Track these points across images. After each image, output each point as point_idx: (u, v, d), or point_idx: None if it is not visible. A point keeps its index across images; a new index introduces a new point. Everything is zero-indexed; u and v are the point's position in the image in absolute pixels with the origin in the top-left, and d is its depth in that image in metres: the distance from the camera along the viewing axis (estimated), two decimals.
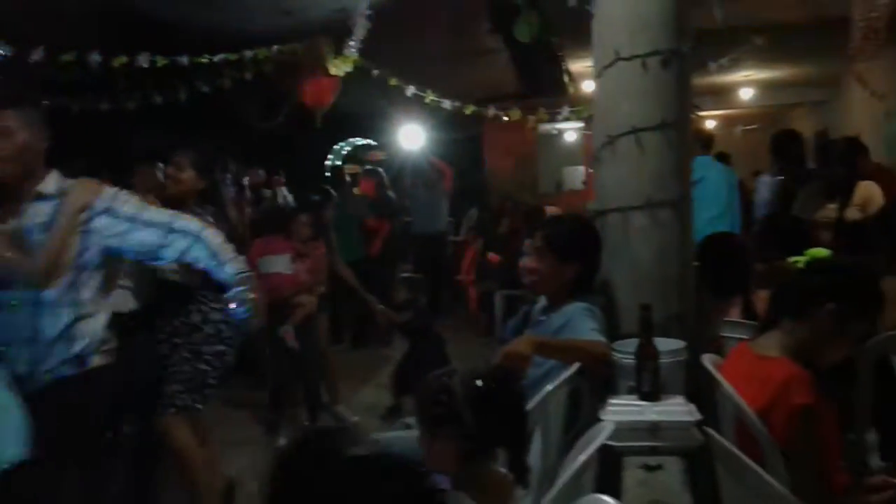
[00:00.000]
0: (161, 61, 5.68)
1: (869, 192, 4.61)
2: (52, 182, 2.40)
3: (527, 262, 2.91)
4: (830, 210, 4.56)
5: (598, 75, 3.03)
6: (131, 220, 2.48)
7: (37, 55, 5.08)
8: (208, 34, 6.74)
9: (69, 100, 6.48)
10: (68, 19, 6.25)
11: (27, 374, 2.32)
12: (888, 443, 2.71)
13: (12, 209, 2.35)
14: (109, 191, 2.48)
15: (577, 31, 3.32)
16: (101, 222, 2.42)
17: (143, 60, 5.59)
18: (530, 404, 2.07)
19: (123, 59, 5.46)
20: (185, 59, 5.82)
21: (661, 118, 2.84)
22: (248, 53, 6.34)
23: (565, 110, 6.27)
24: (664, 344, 2.46)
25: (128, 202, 2.51)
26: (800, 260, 2.21)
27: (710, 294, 3.23)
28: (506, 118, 7.04)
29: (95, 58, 5.35)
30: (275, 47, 6.50)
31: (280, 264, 4.84)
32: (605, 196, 2.96)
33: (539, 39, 6.50)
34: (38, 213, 2.35)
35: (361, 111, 9.07)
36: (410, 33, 6.67)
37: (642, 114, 2.85)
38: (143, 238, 2.50)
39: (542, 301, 3.02)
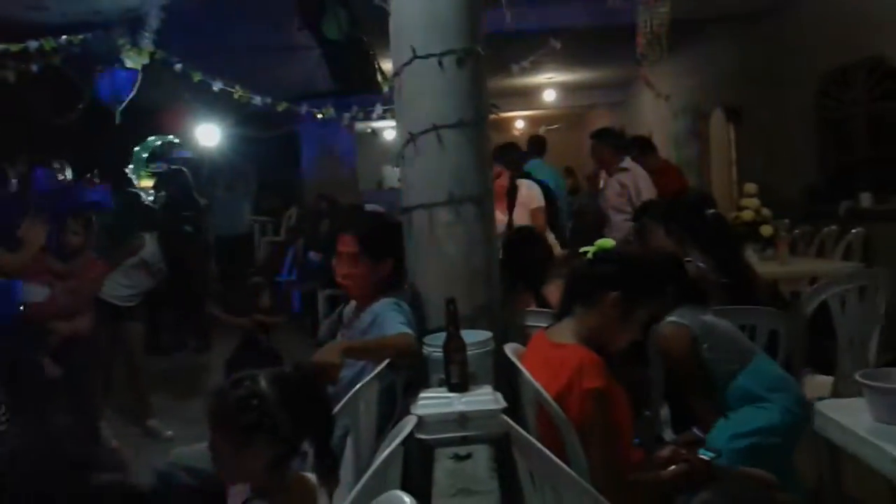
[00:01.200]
0: None
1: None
2: None
3: (341, 269, 2.90)
4: None
5: (397, 73, 3.05)
6: None
7: None
8: None
9: None
10: None
11: None
12: (677, 417, 2.95)
13: None
14: None
15: (384, 30, 3.33)
16: None
17: None
18: (341, 403, 2.06)
19: None
20: None
21: (459, 116, 2.91)
22: (34, 44, 5.83)
23: (379, 108, 6.28)
24: (472, 336, 2.53)
25: None
26: (589, 250, 2.33)
27: (516, 285, 3.37)
28: (320, 115, 6.97)
29: None
30: (63, 37, 6.02)
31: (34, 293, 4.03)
32: (410, 192, 2.99)
33: (348, 37, 6.49)
34: None
35: (165, 107, 8.61)
36: (212, 25, 6.42)
37: (442, 111, 2.90)
38: None
39: (353, 302, 3.02)
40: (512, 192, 4.87)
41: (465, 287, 2.85)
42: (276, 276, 8.53)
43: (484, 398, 2.37)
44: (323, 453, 1.72)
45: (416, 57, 2.87)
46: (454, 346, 2.41)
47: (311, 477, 1.72)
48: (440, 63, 2.86)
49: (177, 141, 8.94)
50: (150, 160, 8.46)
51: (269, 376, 1.68)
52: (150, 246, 5.30)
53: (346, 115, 7.28)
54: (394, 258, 2.89)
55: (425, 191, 2.91)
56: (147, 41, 4.99)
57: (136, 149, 8.35)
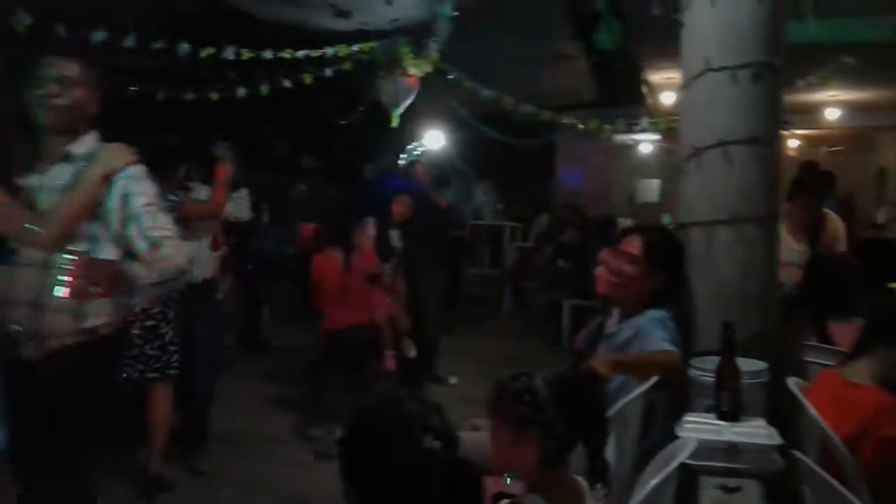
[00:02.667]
0: (246, 54, 5.79)
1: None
2: (85, 144, 2.31)
3: (605, 270, 2.86)
4: None
5: (685, 86, 2.96)
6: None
7: (129, 41, 5.23)
8: (291, 30, 6.88)
9: (156, 87, 6.62)
10: (160, 8, 6.45)
11: (27, 339, 2.22)
12: None
13: (42, 165, 2.29)
14: (139, 166, 2.37)
15: (659, 41, 3.27)
16: (134, 189, 2.32)
17: (230, 53, 5.71)
18: (610, 411, 2.05)
19: (211, 50, 5.59)
20: (268, 54, 5.92)
21: (750, 132, 2.77)
22: (330, 50, 6.41)
23: (644, 121, 6.18)
24: (745, 364, 2.39)
25: (147, 190, 2.38)
26: None
27: (794, 315, 3.13)
28: (581, 127, 6.99)
29: (184, 48, 5.48)
30: (355, 46, 6.57)
31: None
32: (687, 209, 2.89)
33: (619, 48, 6.44)
34: (60, 174, 2.27)
35: (435, 113, 9.12)
36: (492, 36, 6.65)
37: (730, 126, 2.78)
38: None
39: (616, 313, 2.97)
40: (817, 223, 4.13)
41: (740, 312, 2.69)
42: (521, 281, 8.69)
43: (757, 431, 2.23)
44: (595, 459, 1.73)
45: (708, 69, 2.77)
46: (728, 373, 2.29)
47: (583, 481, 1.73)
48: (734, 76, 2.73)
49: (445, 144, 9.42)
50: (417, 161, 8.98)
51: (544, 375, 1.73)
52: None
53: (608, 127, 7.26)
54: (668, 274, 2.79)
55: (705, 208, 2.79)
56: (433, 51, 5.27)
57: (409, 148, 8.90)
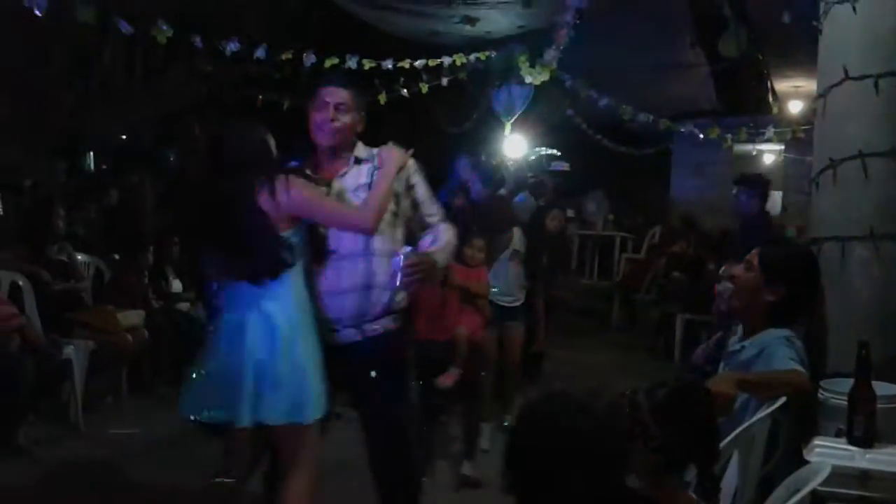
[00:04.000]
0: (367, 64, 5.95)
1: None
2: (362, 149, 2.64)
3: (726, 284, 2.77)
4: None
5: (821, 95, 2.84)
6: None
7: (260, 52, 5.49)
8: (405, 40, 7.02)
9: (280, 95, 6.89)
10: (286, 17, 6.72)
11: (351, 324, 2.53)
12: None
13: (332, 172, 2.60)
14: (414, 161, 2.71)
15: (787, 49, 3.15)
16: (415, 180, 2.66)
17: (352, 62, 5.88)
18: (735, 432, 1.99)
19: (335, 60, 5.78)
20: (388, 63, 6.07)
21: (891, 144, 2.63)
22: (447, 59, 6.48)
23: (769, 131, 5.95)
24: (881, 388, 2.27)
25: (423, 181, 2.71)
26: None
27: None
28: (702, 136, 6.81)
29: (310, 57, 5.69)
30: (473, 55, 6.63)
31: None
32: (820, 223, 2.77)
33: (745, 56, 6.24)
34: (359, 174, 2.59)
35: (547, 121, 9.07)
36: (609, 43, 6.57)
37: (870, 137, 2.65)
38: None
39: (739, 330, 2.87)
40: None
41: (876, 332, 2.56)
42: (632, 293, 8.51)
43: (893, 459, 2.11)
44: (704, 477, 1.68)
45: (847, 78, 2.65)
46: (863, 396, 2.18)
47: (699, 500, 1.68)
48: (876, 85, 2.60)
49: (558, 154, 9.36)
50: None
51: (648, 388, 1.70)
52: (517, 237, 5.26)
53: (729, 137, 7.03)
54: (790, 288, 2.65)
55: (840, 223, 2.68)
56: (552, 59, 5.26)
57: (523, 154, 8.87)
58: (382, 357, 2.56)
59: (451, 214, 4.59)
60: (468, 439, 4.05)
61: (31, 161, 7.05)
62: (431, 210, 2.72)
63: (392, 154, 2.59)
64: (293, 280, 2.36)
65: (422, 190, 2.69)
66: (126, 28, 4.60)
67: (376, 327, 2.56)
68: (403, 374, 2.72)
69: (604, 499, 1.43)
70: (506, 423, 4.44)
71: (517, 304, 4.73)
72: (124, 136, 8.72)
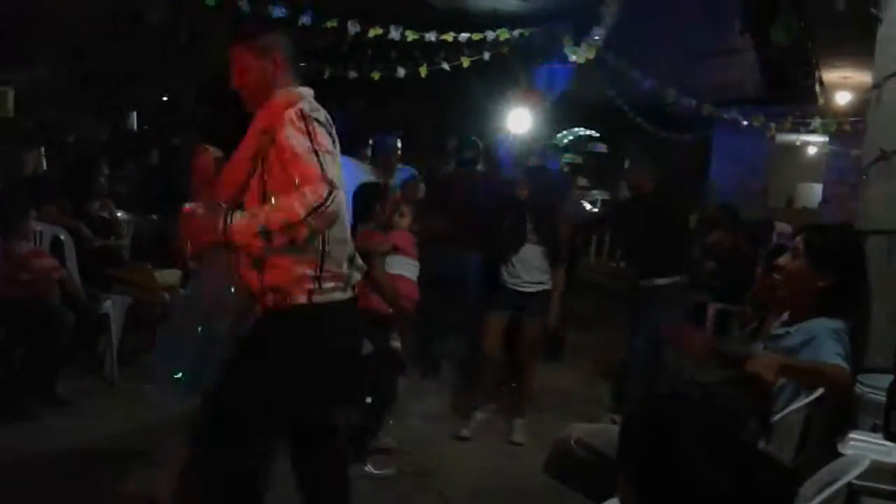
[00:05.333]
0: (411, 35, 5.91)
1: None
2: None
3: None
4: None
5: (876, 85, 2.78)
6: None
7: (305, 18, 5.48)
8: (446, 12, 6.93)
9: (322, 65, 6.88)
10: None
11: None
12: None
13: None
14: None
15: (837, 38, 3.07)
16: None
17: (395, 33, 5.84)
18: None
19: (378, 30, 5.75)
20: (432, 36, 6.01)
21: None
22: (491, 34, 6.40)
23: (816, 121, 5.81)
24: None
25: None
26: None
27: None
28: (745, 123, 6.68)
29: (354, 27, 5.67)
30: (516, 31, 6.55)
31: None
32: (868, 215, 2.72)
33: (796, 44, 6.08)
34: None
35: (588, 101, 8.96)
36: (655, 25, 6.46)
37: None
38: None
39: (785, 315, 2.81)
40: None
41: None
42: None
43: None
44: None
45: None
46: None
47: None
48: None
49: (596, 134, 9.26)
50: (566, 151, 8.89)
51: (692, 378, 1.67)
52: None
53: (773, 125, 6.90)
54: (837, 277, 2.59)
55: (889, 216, 2.61)
56: (598, 38, 5.17)
57: (559, 135, 8.80)
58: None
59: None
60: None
61: (75, 119, 7.16)
62: None
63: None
64: None
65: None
66: None
67: None
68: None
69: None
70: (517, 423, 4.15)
71: (537, 290, 4.28)
72: (165, 98, 8.81)
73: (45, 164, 5.74)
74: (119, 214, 4.95)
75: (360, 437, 3.56)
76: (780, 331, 2.67)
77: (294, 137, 2.13)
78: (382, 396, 3.71)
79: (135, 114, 8.16)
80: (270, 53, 2.39)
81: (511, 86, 8.27)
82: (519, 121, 7.62)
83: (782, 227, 8.04)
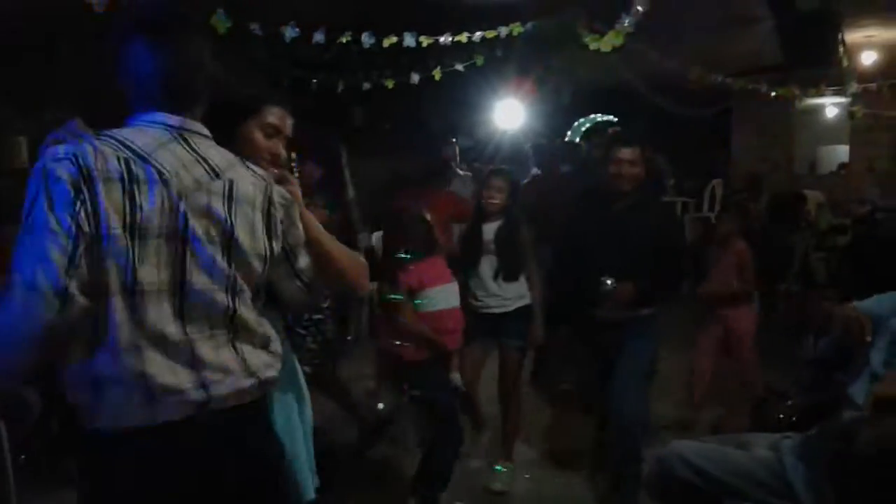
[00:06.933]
0: (426, 41, 5.76)
1: None
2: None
3: None
4: None
5: None
6: None
7: (319, 36, 5.34)
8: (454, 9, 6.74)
9: (330, 76, 6.71)
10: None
11: None
12: None
13: None
14: None
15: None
16: None
17: (410, 40, 5.70)
18: None
19: (393, 39, 5.60)
20: (448, 38, 5.87)
21: None
22: (504, 30, 6.24)
23: (853, 86, 5.62)
24: None
25: None
26: None
27: None
28: (772, 93, 6.50)
29: (367, 38, 5.53)
30: (529, 23, 6.38)
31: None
32: None
33: (823, 6, 5.89)
34: None
35: (605, 86, 8.77)
36: (674, 3, 6.26)
37: None
38: None
39: None
40: None
41: None
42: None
43: None
44: None
45: None
46: None
47: None
48: None
49: (614, 119, 9.10)
50: (585, 138, 8.74)
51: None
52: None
53: (797, 91, 6.70)
54: None
55: None
56: (627, 24, 4.99)
57: (578, 122, 8.66)
58: None
59: None
60: None
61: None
62: None
63: None
64: None
65: None
66: None
67: None
68: None
69: None
70: (497, 469, 3.78)
71: (512, 308, 3.75)
72: None
73: None
74: None
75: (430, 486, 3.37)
76: None
77: None
78: (450, 439, 3.41)
79: None
80: None
81: (522, 78, 8.07)
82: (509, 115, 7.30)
83: (814, 196, 7.88)
